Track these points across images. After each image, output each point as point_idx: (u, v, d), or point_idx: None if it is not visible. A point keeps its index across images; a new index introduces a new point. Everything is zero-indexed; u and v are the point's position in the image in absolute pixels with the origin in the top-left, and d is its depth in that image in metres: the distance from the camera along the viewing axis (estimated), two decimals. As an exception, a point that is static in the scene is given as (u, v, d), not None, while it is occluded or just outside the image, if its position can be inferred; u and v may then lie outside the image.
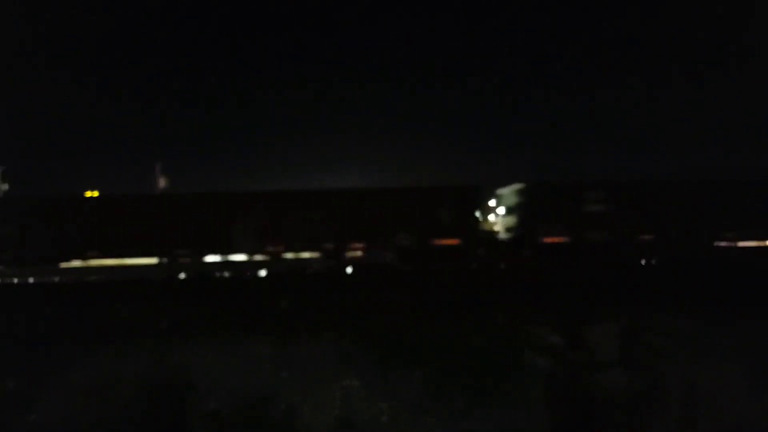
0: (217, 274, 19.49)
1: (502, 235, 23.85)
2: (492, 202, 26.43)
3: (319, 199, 20.89)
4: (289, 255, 20.57)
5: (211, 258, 20.45)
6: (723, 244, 20.36)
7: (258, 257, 20.44)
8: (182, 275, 19.39)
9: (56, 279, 19.34)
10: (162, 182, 36.07)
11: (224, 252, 20.32)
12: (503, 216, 23.81)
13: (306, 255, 20.81)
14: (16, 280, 19.25)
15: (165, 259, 20.24)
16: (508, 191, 22.83)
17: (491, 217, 27.14)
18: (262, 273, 19.61)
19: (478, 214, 21.27)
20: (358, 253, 20.14)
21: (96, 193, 23.86)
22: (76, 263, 20.56)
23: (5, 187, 34.23)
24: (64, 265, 20.39)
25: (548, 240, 19.93)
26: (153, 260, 20.35)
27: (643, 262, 19.24)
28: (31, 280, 19.24)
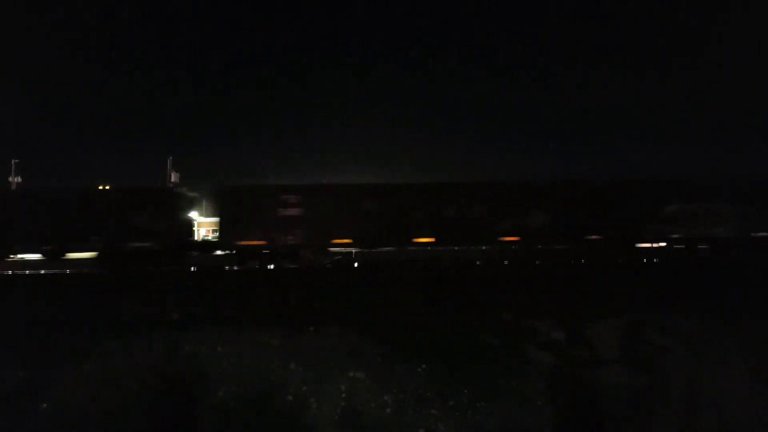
0: (227, 268, 19.61)
1: (211, 238, 23.72)
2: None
3: (25, 198, 20.74)
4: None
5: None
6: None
7: None
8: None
9: (68, 271, 19.52)
10: (173, 176, 36.20)
11: None
12: (215, 219, 23.08)
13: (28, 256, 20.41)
14: (28, 272, 19.44)
15: None
16: (215, 194, 22.15)
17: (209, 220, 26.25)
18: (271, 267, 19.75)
19: (185, 216, 20.73)
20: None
21: (107, 188, 23.96)
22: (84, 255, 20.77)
23: (18, 179, 34.61)
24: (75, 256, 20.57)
25: (244, 243, 19.58)
26: None
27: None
28: (42, 271, 19.42)
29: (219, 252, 20.97)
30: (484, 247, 20.89)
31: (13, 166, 34.92)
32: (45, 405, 9.44)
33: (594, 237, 20.24)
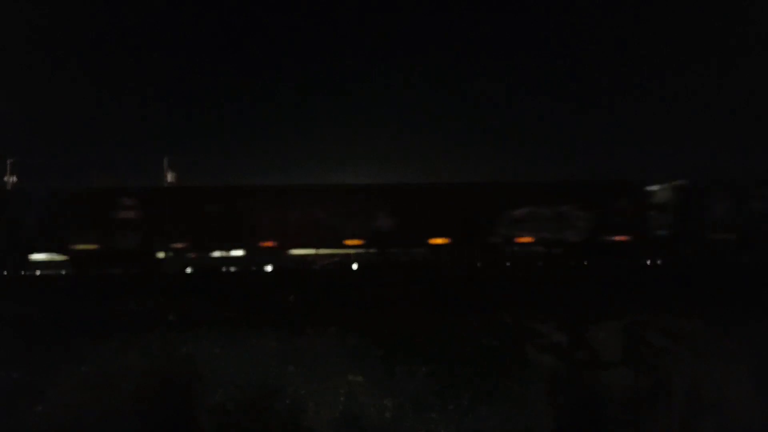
0: (224, 269, 19.61)
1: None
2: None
3: None
4: None
5: None
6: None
7: None
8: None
9: (63, 271, 19.49)
10: (170, 177, 36.16)
11: None
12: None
13: None
14: (23, 272, 19.39)
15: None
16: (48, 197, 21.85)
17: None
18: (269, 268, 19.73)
19: (24, 217, 20.30)
20: None
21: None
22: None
23: (14, 179, 34.49)
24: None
25: (78, 247, 19.30)
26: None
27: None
28: (37, 272, 19.39)
29: (56, 256, 20.64)
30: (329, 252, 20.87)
31: (8, 166, 34.81)
32: (40, 407, 9.36)
33: (440, 241, 20.35)
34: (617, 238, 20.18)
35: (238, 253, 20.64)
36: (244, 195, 20.63)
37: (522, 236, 20.06)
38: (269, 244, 19.99)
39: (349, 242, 19.95)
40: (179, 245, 19.76)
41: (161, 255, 20.03)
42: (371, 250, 20.22)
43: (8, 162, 34.83)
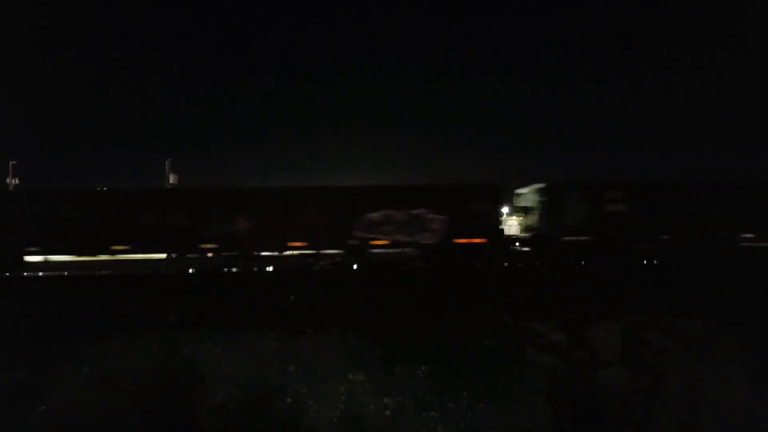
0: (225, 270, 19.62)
1: None
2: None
3: None
4: None
5: None
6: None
7: None
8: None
9: (66, 272, 19.51)
10: (172, 178, 36.16)
11: None
12: None
13: None
14: (25, 273, 19.41)
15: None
16: None
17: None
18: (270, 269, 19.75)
19: None
20: None
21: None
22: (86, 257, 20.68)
23: (15, 181, 34.55)
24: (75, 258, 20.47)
25: None
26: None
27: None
28: (40, 273, 19.40)
29: None
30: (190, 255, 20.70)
31: (11, 168, 34.86)
32: (43, 407, 9.40)
33: (298, 243, 20.33)
34: (474, 240, 20.41)
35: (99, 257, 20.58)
36: (95, 199, 20.54)
37: (378, 239, 20.39)
38: (122, 247, 19.87)
39: (205, 246, 19.88)
40: (33, 248, 19.71)
41: (27, 258, 20.01)
42: (229, 253, 20.23)
43: (10, 164, 34.91)
